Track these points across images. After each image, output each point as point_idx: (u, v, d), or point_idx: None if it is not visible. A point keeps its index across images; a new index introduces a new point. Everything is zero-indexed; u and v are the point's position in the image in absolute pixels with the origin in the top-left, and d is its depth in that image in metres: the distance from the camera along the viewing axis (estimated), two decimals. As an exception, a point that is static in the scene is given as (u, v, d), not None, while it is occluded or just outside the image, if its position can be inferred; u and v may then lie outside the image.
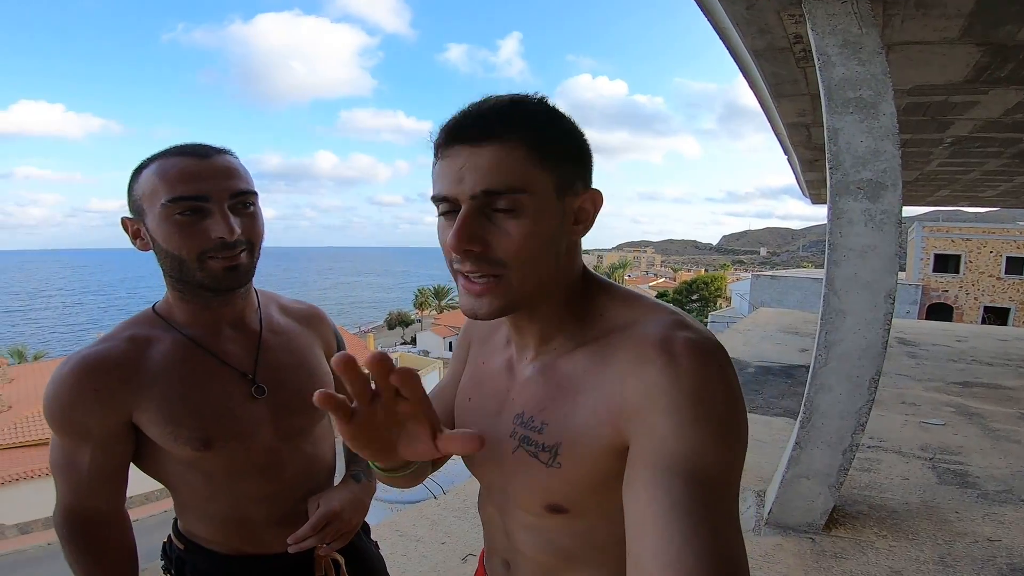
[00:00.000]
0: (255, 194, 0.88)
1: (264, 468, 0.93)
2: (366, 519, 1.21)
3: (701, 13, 3.38)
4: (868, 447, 3.79)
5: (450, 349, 43.03)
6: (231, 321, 0.94)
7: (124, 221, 0.87)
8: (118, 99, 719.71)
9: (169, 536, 1.02)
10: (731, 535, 0.49)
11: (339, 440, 0.98)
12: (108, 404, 0.84)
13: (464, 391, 0.78)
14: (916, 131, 5.18)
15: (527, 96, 0.58)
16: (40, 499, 13.80)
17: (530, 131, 0.56)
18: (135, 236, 0.87)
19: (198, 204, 0.80)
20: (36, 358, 29.20)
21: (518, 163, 0.55)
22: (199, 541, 0.97)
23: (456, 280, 0.61)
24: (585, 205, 0.61)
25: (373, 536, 1.23)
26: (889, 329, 2.07)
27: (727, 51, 4.16)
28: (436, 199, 0.59)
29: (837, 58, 2.27)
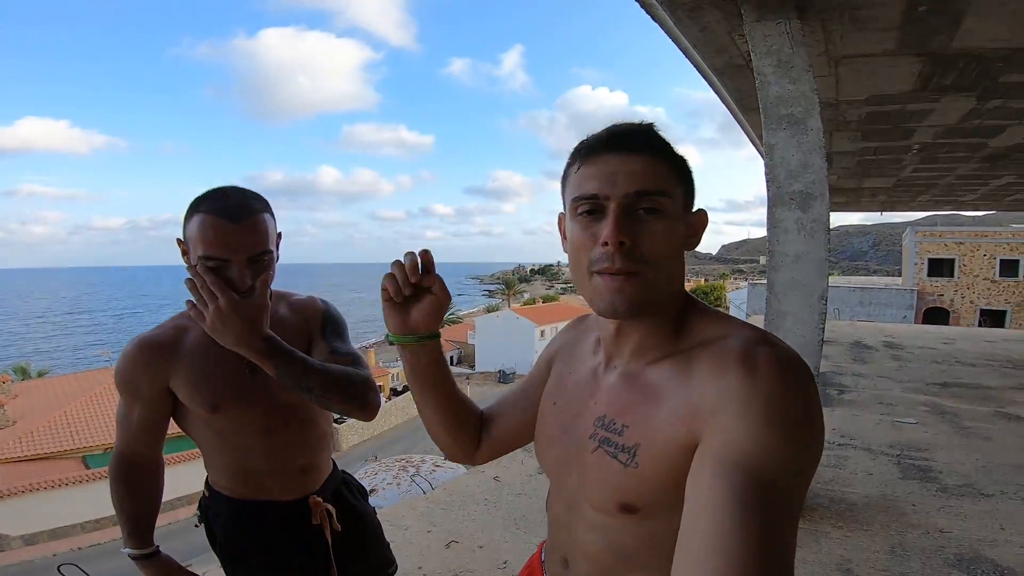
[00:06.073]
0: (270, 252, 1.09)
1: (263, 430, 1.17)
2: (364, 486, 1.46)
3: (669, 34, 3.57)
4: (839, 445, 3.90)
5: (450, 363, 42.98)
6: None
7: (178, 241, 1.08)
8: (124, 115, 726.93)
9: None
10: (784, 535, 0.50)
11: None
12: (154, 372, 1.13)
13: (549, 397, 0.83)
14: (883, 139, 5.35)
15: (653, 124, 0.68)
16: (45, 511, 13.83)
17: (669, 150, 0.66)
18: (184, 254, 1.07)
19: (223, 263, 1.03)
20: (40, 375, 28.82)
21: (663, 172, 0.64)
22: (219, 489, 1.24)
23: (588, 282, 0.65)
24: (698, 222, 0.69)
25: None
26: (824, 327, 2.20)
27: (695, 69, 4.35)
28: (582, 198, 0.65)
29: (772, 77, 2.44)
